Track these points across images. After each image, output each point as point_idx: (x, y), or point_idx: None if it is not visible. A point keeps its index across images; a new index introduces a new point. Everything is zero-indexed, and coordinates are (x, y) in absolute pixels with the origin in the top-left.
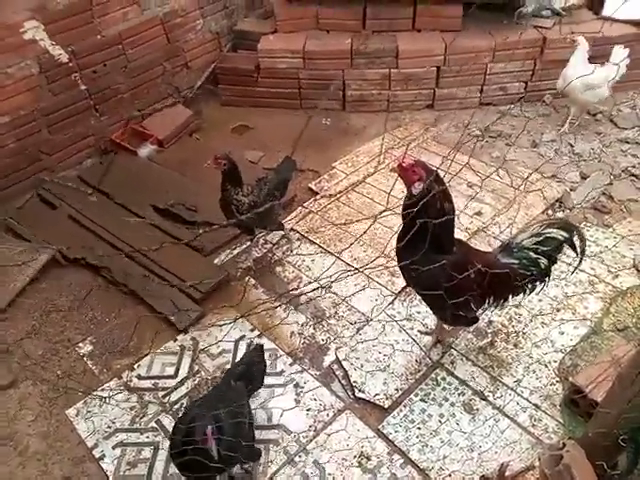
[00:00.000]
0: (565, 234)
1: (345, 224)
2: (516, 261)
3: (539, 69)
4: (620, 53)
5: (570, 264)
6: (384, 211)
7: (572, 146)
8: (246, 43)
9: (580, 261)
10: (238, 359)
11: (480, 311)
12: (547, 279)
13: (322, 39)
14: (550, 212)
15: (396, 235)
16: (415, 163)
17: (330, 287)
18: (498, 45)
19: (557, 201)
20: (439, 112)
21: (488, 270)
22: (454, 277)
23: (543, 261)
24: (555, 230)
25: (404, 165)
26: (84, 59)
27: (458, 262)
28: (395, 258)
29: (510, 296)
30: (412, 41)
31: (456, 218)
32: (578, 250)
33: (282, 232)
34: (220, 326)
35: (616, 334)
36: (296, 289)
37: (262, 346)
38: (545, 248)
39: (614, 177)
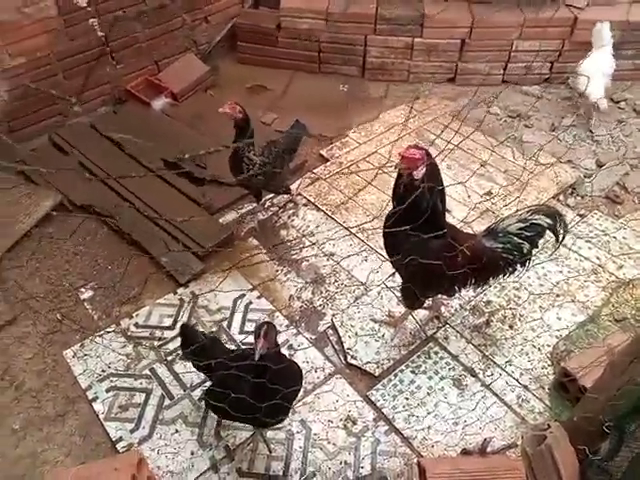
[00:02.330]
0: (549, 220)
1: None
2: (500, 245)
3: (567, 50)
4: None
5: (576, 252)
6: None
7: (591, 132)
8: (268, 0)
9: (558, 247)
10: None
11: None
12: (528, 262)
13: (347, 1)
14: (562, 197)
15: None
16: (414, 148)
17: (324, 247)
18: (527, 21)
19: (570, 187)
20: (460, 87)
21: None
22: (444, 259)
23: (526, 246)
24: (541, 217)
25: (410, 156)
26: (103, 4)
27: (448, 244)
28: None
29: (491, 278)
30: (439, 10)
31: (466, 197)
32: (560, 236)
33: (288, 196)
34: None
35: (613, 324)
36: (298, 254)
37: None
38: (528, 233)
39: (631, 167)
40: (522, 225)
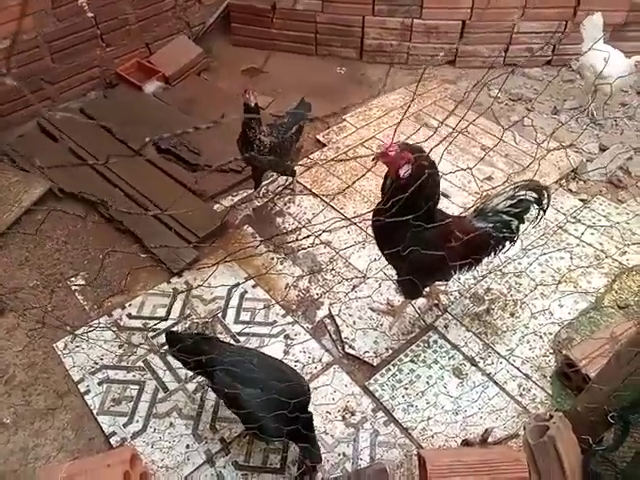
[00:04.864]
0: (535, 195)
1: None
2: (491, 224)
3: (569, 31)
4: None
5: (578, 238)
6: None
7: (594, 115)
8: None
9: (541, 218)
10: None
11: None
12: (515, 238)
13: None
14: (564, 182)
15: None
16: (400, 148)
17: (322, 237)
18: (529, 2)
19: (572, 171)
20: (460, 70)
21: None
22: (440, 247)
23: (514, 222)
24: (527, 192)
25: (392, 154)
26: None
27: (441, 233)
28: None
29: (483, 258)
30: None
31: (466, 182)
32: (544, 206)
33: (291, 180)
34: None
35: (616, 311)
36: (294, 241)
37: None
38: (516, 210)
39: (635, 151)
40: (510, 202)
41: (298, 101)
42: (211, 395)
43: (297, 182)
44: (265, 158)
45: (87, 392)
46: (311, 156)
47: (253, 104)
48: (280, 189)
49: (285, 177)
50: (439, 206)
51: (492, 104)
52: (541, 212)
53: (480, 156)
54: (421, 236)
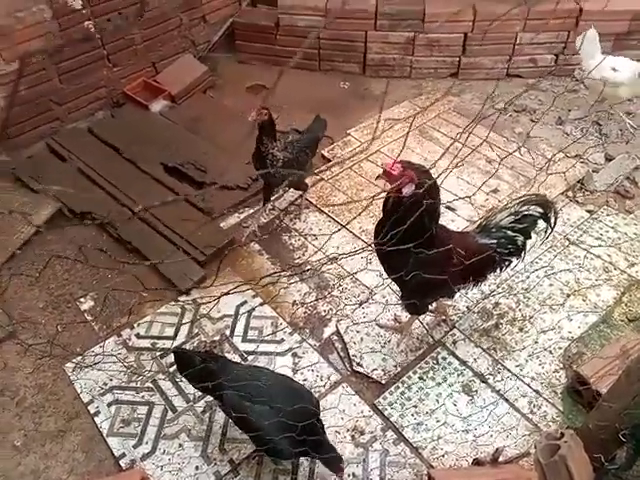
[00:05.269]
0: (541, 210)
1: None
2: (494, 241)
3: (572, 41)
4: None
5: (586, 250)
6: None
7: (599, 125)
8: None
9: (550, 234)
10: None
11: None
12: (523, 254)
13: None
14: (570, 193)
15: None
16: (403, 167)
17: (337, 259)
18: (531, 13)
19: (578, 182)
20: (463, 82)
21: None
22: (440, 266)
23: (520, 238)
24: (532, 207)
25: (395, 173)
26: (99, 6)
27: (443, 251)
28: None
29: (488, 275)
30: (440, 4)
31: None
32: (551, 223)
33: (299, 195)
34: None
35: (626, 324)
36: (301, 258)
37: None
38: (521, 225)
39: None
40: (514, 218)
41: (313, 118)
42: (220, 415)
43: (302, 197)
44: (279, 172)
45: (97, 413)
46: (316, 171)
47: (265, 121)
48: (285, 206)
49: (292, 194)
50: (444, 221)
51: (483, 109)
52: (549, 228)
53: (485, 169)
54: (420, 258)
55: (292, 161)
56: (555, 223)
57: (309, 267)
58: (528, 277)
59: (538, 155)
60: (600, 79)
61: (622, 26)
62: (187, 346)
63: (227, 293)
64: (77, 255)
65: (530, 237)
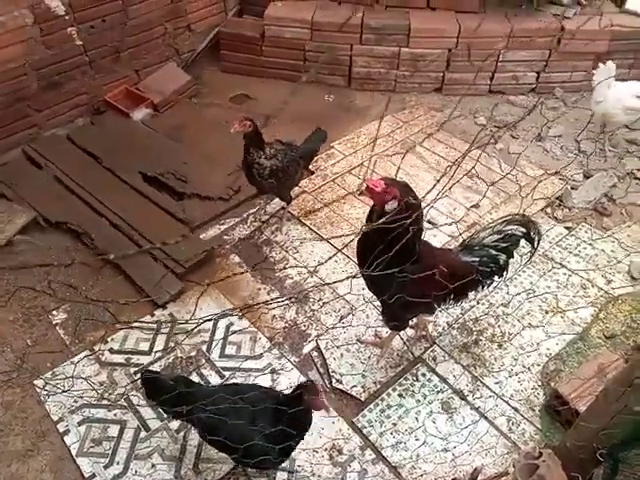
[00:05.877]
0: (524, 229)
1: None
2: (477, 259)
3: (553, 60)
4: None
5: (565, 266)
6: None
7: (578, 143)
8: (253, 8)
9: (533, 254)
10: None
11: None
12: (505, 273)
13: (332, 10)
14: (549, 210)
15: None
16: (387, 183)
17: (309, 267)
18: (514, 31)
19: (557, 199)
20: (447, 97)
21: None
22: (422, 284)
23: (502, 257)
24: (515, 227)
25: (377, 190)
26: (82, 13)
27: (426, 268)
28: None
29: (470, 293)
30: (425, 20)
31: (452, 210)
32: (535, 244)
33: (281, 207)
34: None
35: (603, 341)
36: (282, 272)
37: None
38: (504, 244)
39: (619, 179)
40: (497, 237)
41: (313, 129)
42: (194, 435)
43: (284, 209)
44: (266, 182)
45: (66, 432)
46: (299, 184)
47: (250, 131)
48: (267, 218)
49: (274, 205)
50: (426, 237)
51: (477, 134)
52: (532, 249)
53: (467, 184)
54: (405, 271)
55: (280, 170)
56: (538, 244)
57: (297, 292)
58: (508, 293)
59: (518, 172)
60: (621, 108)
61: (603, 45)
62: (162, 360)
63: (208, 320)
64: (50, 267)
65: (512, 256)
